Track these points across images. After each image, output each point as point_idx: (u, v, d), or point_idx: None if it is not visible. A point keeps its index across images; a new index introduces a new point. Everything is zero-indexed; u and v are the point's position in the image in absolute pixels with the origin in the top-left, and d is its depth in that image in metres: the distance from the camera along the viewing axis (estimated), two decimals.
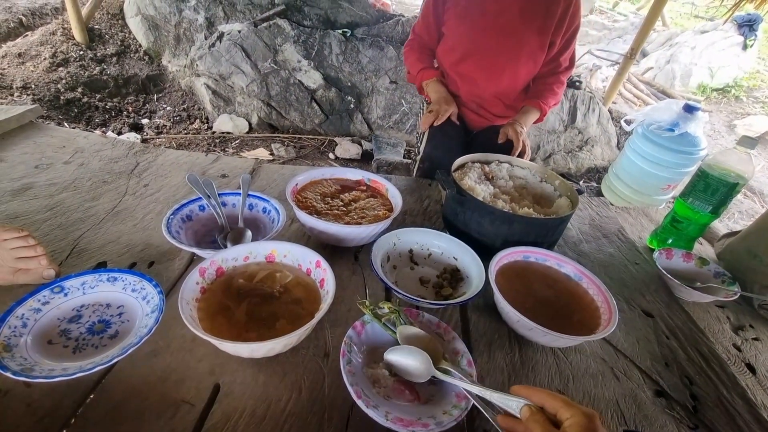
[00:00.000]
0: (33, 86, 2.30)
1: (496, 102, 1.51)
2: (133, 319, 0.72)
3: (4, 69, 2.34)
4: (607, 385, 0.77)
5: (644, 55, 5.81)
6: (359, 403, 0.58)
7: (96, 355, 0.64)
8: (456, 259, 0.94)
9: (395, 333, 0.70)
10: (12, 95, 2.23)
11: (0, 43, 2.55)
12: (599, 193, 2.92)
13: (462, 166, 1.15)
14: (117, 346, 0.65)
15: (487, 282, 0.84)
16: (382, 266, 0.89)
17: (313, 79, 3.03)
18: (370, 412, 0.57)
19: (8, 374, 0.55)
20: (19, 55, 2.46)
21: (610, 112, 3.50)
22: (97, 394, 0.60)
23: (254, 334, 0.66)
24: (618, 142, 3.50)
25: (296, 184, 1.02)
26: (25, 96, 2.22)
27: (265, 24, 2.90)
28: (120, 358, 0.61)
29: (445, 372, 0.64)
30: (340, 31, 3.08)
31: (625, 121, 2.60)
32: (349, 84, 3.16)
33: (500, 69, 1.42)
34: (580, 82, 3.29)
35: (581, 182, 3.24)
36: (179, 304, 0.63)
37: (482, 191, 1.03)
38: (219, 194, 0.98)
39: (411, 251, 0.96)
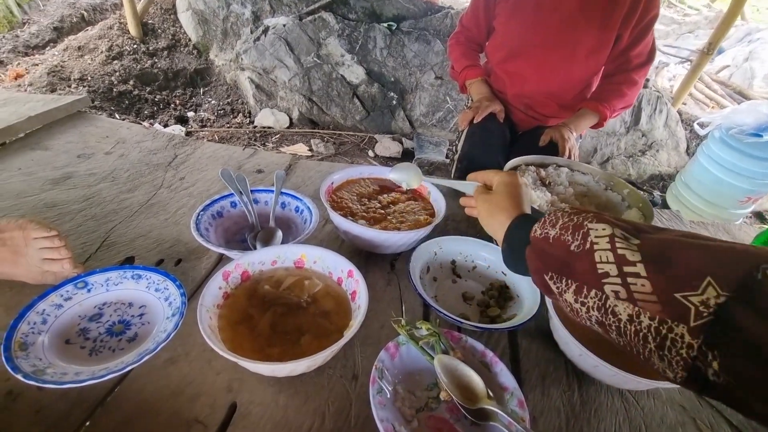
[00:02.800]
0: (89, 78, 2.43)
1: (547, 102, 1.35)
2: (153, 321, 0.67)
3: (65, 61, 2.48)
4: None
5: (719, 52, 5.25)
6: None
7: (112, 359, 0.60)
8: (505, 275, 0.83)
9: (433, 359, 0.60)
10: (70, 86, 2.36)
11: (63, 36, 2.72)
12: (665, 204, 2.64)
13: (514, 169, 1.02)
14: (133, 352, 0.61)
15: (542, 303, 0.72)
16: (421, 278, 0.80)
17: (355, 73, 2.98)
18: None
19: (19, 377, 0.52)
20: (79, 48, 2.60)
21: (679, 113, 3.16)
22: (107, 406, 0.55)
23: (277, 349, 0.60)
24: (687, 147, 3.14)
25: (332, 183, 0.95)
26: (81, 87, 2.34)
27: (310, 17, 2.88)
28: (134, 366, 0.57)
29: (490, 414, 0.54)
30: (385, 25, 3.00)
31: (699, 124, 2.32)
32: (393, 79, 3.07)
33: (552, 68, 1.26)
34: (647, 80, 2.99)
35: (646, 188, 2.93)
36: (198, 312, 0.57)
37: (537, 198, 0.91)
38: (252, 191, 0.93)
39: (454, 262, 0.86)
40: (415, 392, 0.60)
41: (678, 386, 0.58)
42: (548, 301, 0.71)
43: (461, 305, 0.79)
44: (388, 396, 0.57)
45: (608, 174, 1.05)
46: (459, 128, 1.45)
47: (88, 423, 0.53)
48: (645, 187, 2.96)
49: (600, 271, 0.37)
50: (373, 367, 0.58)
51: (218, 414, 0.56)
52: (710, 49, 2.96)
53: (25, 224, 0.68)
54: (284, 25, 2.85)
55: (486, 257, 0.86)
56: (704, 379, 0.30)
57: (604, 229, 0.39)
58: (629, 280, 0.35)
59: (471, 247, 0.87)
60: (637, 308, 0.34)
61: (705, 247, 0.33)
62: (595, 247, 0.38)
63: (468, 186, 0.71)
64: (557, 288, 0.42)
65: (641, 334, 0.34)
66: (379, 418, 0.52)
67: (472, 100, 1.48)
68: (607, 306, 0.36)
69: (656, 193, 2.84)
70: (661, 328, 0.32)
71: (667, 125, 3.05)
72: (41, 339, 0.60)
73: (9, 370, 0.53)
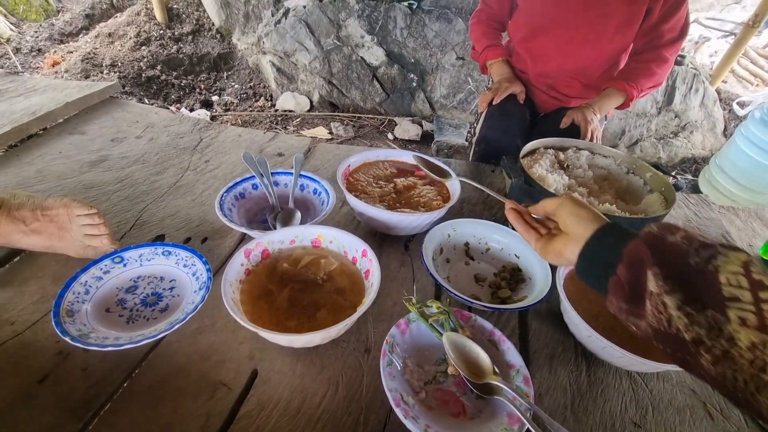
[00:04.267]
0: (119, 64, 2.52)
1: (572, 81, 1.30)
2: (183, 294, 0.73)
3: (97, 48, 2.58)
4: (697, 424, 0.64)
5: (767, 24, 4.85)
6: (397, 411, 0.53)
7: (146, 327, 0.66)
8: (518, 257, 0.84)
9: (442, 336, 0.63)
10: (102, 72, 2.46)
11: (95, 23, 2.82)
12: (695, 189, 2.52)
13: (532, 152, 1.02)
14: (165, 321, 0.66)
15: (553, 286, 0.73)
16: (434, 259, 0.82)
17: (375, 55, 2.95)
18: (408, 423, 0.52)
19: (67, 339, 0.58)
20: (109, 35, 2.69)
21: (717, 92, 2.96)
22: (144, 368, 0.61)
23: (294, 322, 0.64)
24: (725, 129, 2.96)
25: (348, 166, 0.97)
26: (112, 73, 2.44)
27: None
28: (166, 333, 0.62)
29: (495, 389, 0.57)
30: (406, 3, 2.94)
31: (738, 103, 2.18)
32: (413, 60, 3.03)
33: (577, 46, 1.21)
34: (683, 57, 2.80)
35: (674, 173, 2.80)
36: (222, 287, 0.62)
37: (555, 182, 0.91)
38: (272, 173, 0.97)
39: (467, 244, 0.88)
40: (423, 366, 0.63)
41: None
42: (559, 283, 0.72)
43: (473, 286, 0.81)
44: (398, 368, 0.60)
45: (631, 157, 1.02)
46: (479, 110, 1.43)
47: (127, 382, 0.59)
48: (674, 172, 2.83)
49: (727, 294, 0.34)
50: (384, 341, 0.62)
51: (241, 378, 0.61)
52: (756, 21, 2.74)
53: (69, 203, 0.74)
54: (304, 7, 2.84)
55: (500, 240, 0.87)
56: None
57: (739, 256, 0.36)
58: (764, 306, 0.33)
59: (485, 229, 0.88)
60: (766, 336, 0.32)
61: None
62: (720, 269, 0.35)
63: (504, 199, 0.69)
64: (653, 286, 0.38)
65: (759, 364, 0.32)
66: (388, 388, 0.55)
67: (492, 81, 1.45)
68: (723, 329, 0.34)
69: (681, 178, 2.71)
70: None
71: (703, 105, 2.87)
72: (85, 307, 0.67)
73: (58, 333, 0.59)
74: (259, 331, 0.57)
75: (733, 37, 3.09)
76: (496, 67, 1.36)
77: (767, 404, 0.31)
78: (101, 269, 0.72)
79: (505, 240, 0.87)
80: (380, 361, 0.59)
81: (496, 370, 0.60)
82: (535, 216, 0.62)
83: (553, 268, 0.76)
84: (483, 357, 0.61)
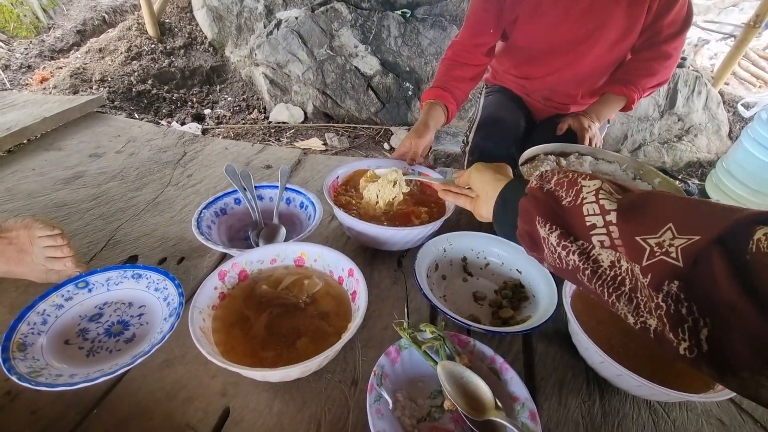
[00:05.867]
0: (109, 79, 2.48)
1: (570, 92, 1.24)
2: (152, 321, 0.66)
3: (87, 63, 2.55)
4: None
5: (767, 26, 4.83)
6: None
7: (108, 360, 0.59)
8: (520, 272, 0.78)
9: (437, 365, 0.56)
10: (91, 88, 2.43)
11: (86, 39, 2.80)
12: (703, 193, 2.45)
13: (532, 159, 0.96)
14: (129, 354, 0.60)
15: (559, 304, 0.66)
16: (429, 276, 0.75)
17: (369, 65, 2.92)
18: None
19: (14, 378, 0.52)
20: (100, 50, 2.66)
21: (721, 94, 2.90)
22: (102, 408, 0.54)
23: (271, 353, 0.57)
24: (730, 131, 2.89)
25: (337, 177, 0.92)
26: (102, 88, 2.41)
27: (322, 8, 2.84)
28: (128, 369, 0.55)
29: (498, 427, 0.50)
30: (399, 12, 2.92)
31: (743, 105, 2.13)
32: (408, 69, 3.00)
33: (577, 62, 1.14)
34: (684, 59, 2.76)
35: (680, 177, 2.73)
36: (190, 314, 0.55)
37: None
38: (256, 187, 0.91)
39: (464, 259, 0.81)
40: (416, 400, 0.56)
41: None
42: (566, 301, 0.65)
43: (472, 306, 0.74)
44: (388, 405, 0.53)
45: (637, 162, 0.96)
46: (472, 117, 1.37)
47: (82, 425, 0.52)
48: (680, 176, 2.76)
49: (588, 224, 0.39)
50: (372, 373, 0.55)
51: (211, 419, 0.54)
52: (757, 22, 2.71)
53: (30, 223, 0.68)
54: (296, 18, 2.82)
55: (500, 253, 0.81)
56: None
57: (594, 185, 0.41)
58: (611, 228, 0.37)
59: (483, 242, 0.82)
60: (617, 254, 0.36)
61: (687, 201, 0.35)
62: (584, 201, 0.40)
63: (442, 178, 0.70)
64: (542, 231, 0.43)
65: (620, 278, 0.36)
66: (375, 430, 0.49)
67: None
68: (591, 254, 0.39)
69: (692, 182, 2.64)
70: (633, 269, 0.35)
71: (706, 107, 2.82)
72: (40, 340, 0.60)
73: (5, 371, 0.52)
74: (228, 367, 0.50)
75: (732, 39, 3.06)
76: (423, 110, 1.10)
77: (624, 311, 0.36)
78: (62, 296, 0.66)
79: (505, 254, 0.80)
80: (367, 396, 0.52)
81: (499, 404, 0.53)
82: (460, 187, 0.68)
83: (559, 284, 0.69)
84: (483, 389, 0.54)
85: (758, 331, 0.26)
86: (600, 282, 0.38)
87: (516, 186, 0.53)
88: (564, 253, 0.41)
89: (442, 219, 0.80)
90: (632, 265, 0.35)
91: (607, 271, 0.37)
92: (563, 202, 0.43)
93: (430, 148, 1.09)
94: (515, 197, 0.49)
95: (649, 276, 0.33)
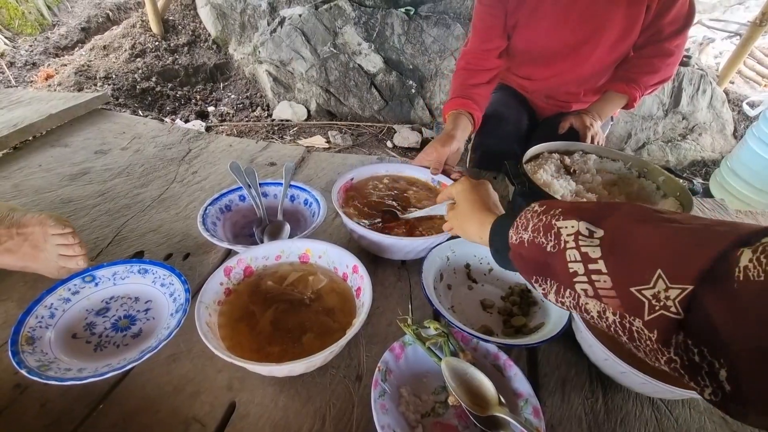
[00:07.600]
0: (113, 76, 2.50)
1: (572, 90, 1.24)
2: (158, 317, 0.67)
3: (91, 61, 2.56)
4: None
5: None
6: None
7: (116, 355, 0.60)
8: None
9: (441, 361, 0.57)
10: (96, 85, 2.44)
11: (90, 36, 2.81)
12: (707, 192, 2.44)
13: (536, 157, 0.96)
14: (137, 349, 0.61)
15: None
16: (435, 288, 0.73)
17: (373, 62, 2.92)
18: None
19: (23, 372, 0.52)
20: (104, 47, 2.68)
21: (726, 93, 2.89)
22: (109, 402, 0.55)
23: (278, 348, 0.58)
24: (735, 130, 2.88)
25: (352, 178, 0.91)
26: (106, 85, 2.42)
27: (325, 6, 2.84)
28: (135, 364, 0.56)
29: (501, 422, 0.50)
30: (403, 10, 2.92)
31: (748, 103, 2.12)
32: (411, 67, 2.99)
33: (578, 63, 1.14)
34: (689, 57, 2.74)
35: (686, 176, 2.72)
36: (196, 309, 0.56)
37: (561, 188, 0.84)
38: (261, 184, 0.91)
39: (468, 266, 0.80)
40: (420, 396, 0.56)
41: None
42: None
43: (482, 315, 0.72)
44: (392, 400, 0.54)
45: (642, 160, 0.96)
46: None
47: (89, 418, 0.53)
48: (685, 174, 2.75)
49: (570, 271, 0.38)
50: (376, 368, 0.55)
51: (217, 413, 0.55)
52: (763, 20, 2.69)
53: (45, 220, 0.69)
54: (300, 15, 2.82)
55: None
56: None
57: (572, 227, 0.39)
58: (593, 277, 0.36)
59: (486, 248, 0.81)
60: (603, 305, 0.35)
61: (667, 233, 0.33)
62: (567, 246, 0.39)
63: (442, 208, 0.70)
64: (543, 289, 0.43)
65: (612, 329, 0.35)
66: (380, 424, 0.49)
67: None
68: (580, 304, 0.38)
69: (696, 181, 2.62)
70: (624, 323, 0.34)
71: (711, 106, 2.81)
72: (48, 333, 0.61)
73: (14, 365, 0.53)
74: (234, 361, 0.51)
75: (738, 37, 3.03)
76: (448, 121, 1.09)
77: (643, 356, 0.34)
78: (69, 290, 0.67)
79: None
80: (371, 392, 0.53)
81: (502, 400, 0.53)
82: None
83: None
84: (487, 385, 0.54)
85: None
86: (600, 330, 0.37)
87: (500, 233, 0.52)
88: (565, 306, 0.41)
89: (445, 234, 0.77)
90: (632, 318, 0.33)
91: (598, 322, 0.36)
92: (547, 249, 0.41)
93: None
94: (505, 247, 0.49)
95: (656, 332, 0.31)
